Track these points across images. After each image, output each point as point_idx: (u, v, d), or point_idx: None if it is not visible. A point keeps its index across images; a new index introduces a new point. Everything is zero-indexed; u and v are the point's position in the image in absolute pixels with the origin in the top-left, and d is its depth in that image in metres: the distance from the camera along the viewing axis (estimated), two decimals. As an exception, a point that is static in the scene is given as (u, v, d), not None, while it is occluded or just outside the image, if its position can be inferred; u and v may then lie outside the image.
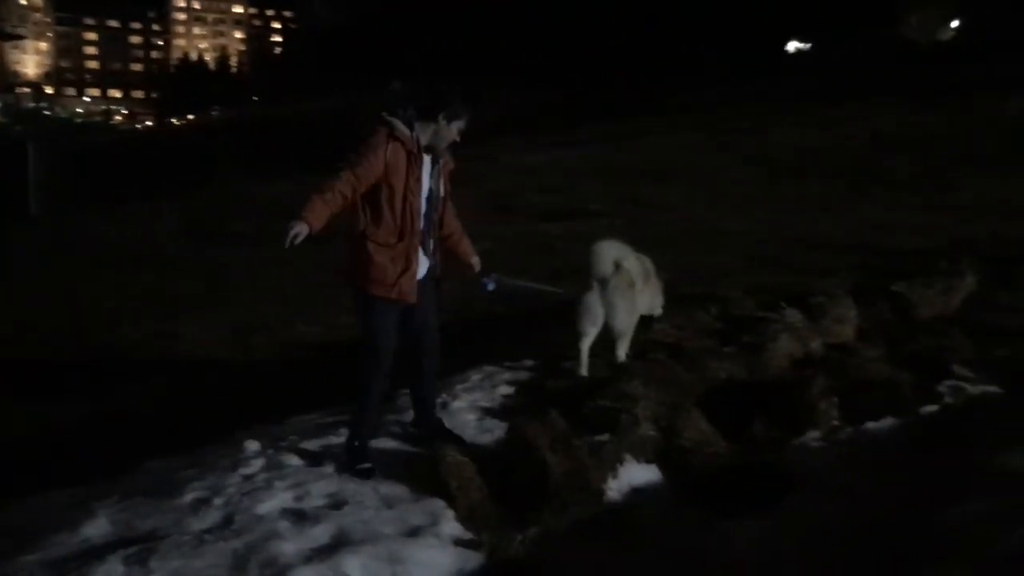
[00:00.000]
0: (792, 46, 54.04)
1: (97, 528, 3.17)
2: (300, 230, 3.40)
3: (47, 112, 74.36)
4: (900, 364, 5.22)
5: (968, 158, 17.43)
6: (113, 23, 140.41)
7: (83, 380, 6.88)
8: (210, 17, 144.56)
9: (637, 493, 3.78)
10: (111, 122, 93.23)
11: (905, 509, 3.62)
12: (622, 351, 4.90)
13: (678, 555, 3.44)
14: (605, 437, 3.90)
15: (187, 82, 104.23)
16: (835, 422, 4.46)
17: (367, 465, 3.65)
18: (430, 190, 3.82)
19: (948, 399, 4.74)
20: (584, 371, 4.79)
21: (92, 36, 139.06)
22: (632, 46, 49.74)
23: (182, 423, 5.14)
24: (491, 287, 4.30)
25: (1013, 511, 3.23)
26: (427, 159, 3.80)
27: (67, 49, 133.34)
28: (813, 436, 4.33)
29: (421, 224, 3.77)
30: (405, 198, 3.69)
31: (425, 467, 3.57)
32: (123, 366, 7.35)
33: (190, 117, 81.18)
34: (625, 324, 4.83)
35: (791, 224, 12.40)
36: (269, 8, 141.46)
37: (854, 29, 47.05)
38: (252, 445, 3.88)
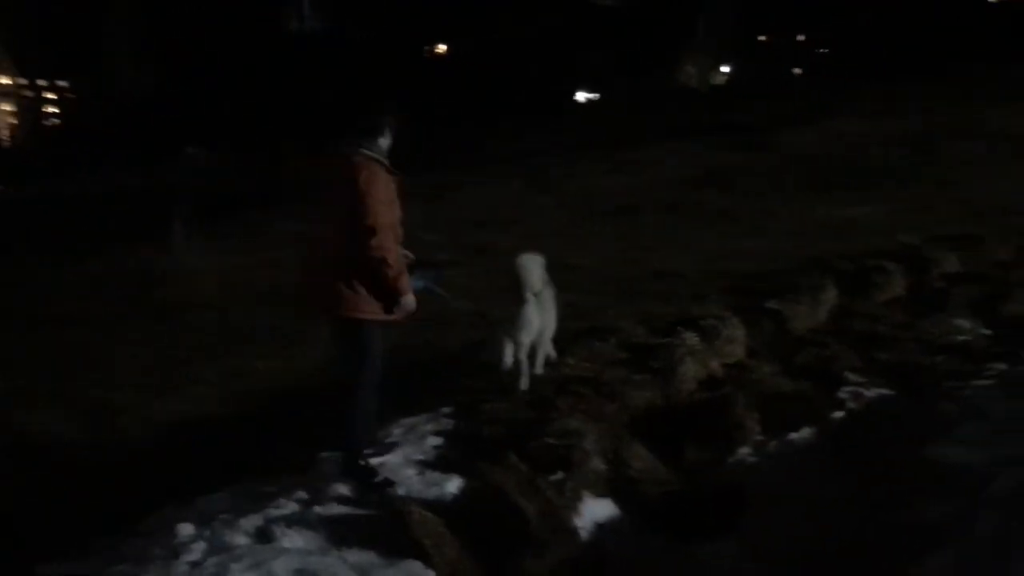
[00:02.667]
0: (582, 96, 56.78)
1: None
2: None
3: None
4: (796, 376, 5.47)
5: (776, 188, 18.81)
6: None
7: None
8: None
9: (600, 528, 3.73)
10: None
11: (856, 508, 3.77)
12: (540, 364, 5.15)
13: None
14: (559, 475, 3.82)
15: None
16: (758, 436, 4.60)
17: (384, 477, 3.86)
18: None
19: (851, 404, 5.02)
20: (525, 384, 4.96)
21: None
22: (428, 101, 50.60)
23: (73, 516, 4.60)
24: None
25: (961, 499, 3.43)
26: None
27: None
28: (744, 452, 4.44)
29: None
30: (399, 224, 3.92)
31: (387, 527, 3.36)
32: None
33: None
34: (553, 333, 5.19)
35: (635, 259, 12.83)
36: (40, 78, 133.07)
37: (636, 78, 50.17)
38: (186, 528, 3.51)
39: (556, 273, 12.23)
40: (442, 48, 58.54)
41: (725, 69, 52.42)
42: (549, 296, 5.17)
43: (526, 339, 4.90)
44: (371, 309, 3.83)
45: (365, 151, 3.82)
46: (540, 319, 4.95)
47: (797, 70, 45.24)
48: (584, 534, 3.60)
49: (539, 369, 5.14)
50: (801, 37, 51.07)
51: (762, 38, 52.12)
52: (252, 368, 8.98)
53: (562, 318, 8.48)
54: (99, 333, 12.92)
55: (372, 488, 3.78)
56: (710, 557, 3.54)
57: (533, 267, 4.95)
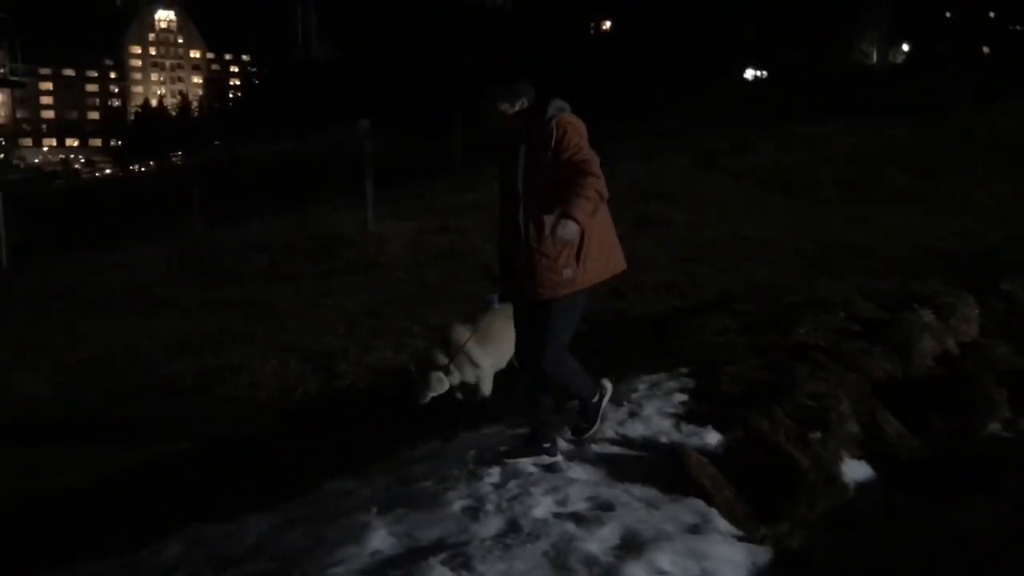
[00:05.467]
0: (749, 73, 55.35)
1: (382, 540, 3.15)
2: (574, 236, 3.47)
3: (16, 162, 73.28)
4: (1033, 357, 5.38)
5: (960, 166, 17.98)
6: (69, 72, 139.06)
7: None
8: (167, 63, 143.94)
9: (859, 486, 3.86)
10: (75, 170, 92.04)
11: None
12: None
13: (921, 535, 3.52)
14: (817, 434, 3.96)
15: (147, 128, 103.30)
16: (1007, 414, 4.59)
17: (548, 444, 3.88)
18: None
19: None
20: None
21: (48, 86, 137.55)
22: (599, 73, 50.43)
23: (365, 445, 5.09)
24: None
25: None
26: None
27: (23, 99, 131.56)
28: (996, 427, 4.45)
29: None
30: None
31: (663, 467, 3.61)
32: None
33: (151, 163, 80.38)
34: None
35: (819, 234, 12.62)
36: (227, 52, 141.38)
37: (807, 55, 48.36)
38: (473, 453, 3.88)
39: (735, 245, 12.23)
40: (607, 24, 58.32)
41: (905, 48, 49.80)
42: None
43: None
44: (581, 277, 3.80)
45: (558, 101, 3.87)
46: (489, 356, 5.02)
47: (986, 49, 42.58)
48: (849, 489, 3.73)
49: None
50: (992, 14, 47.85)
51: (948, 15, 49.21)
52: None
53: (756, 288, 8.53)
54: (299, 288, 13.86)
55: (543, 451, 3.87)
56: (970, 511, 3.61)
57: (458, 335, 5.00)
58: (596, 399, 4.08)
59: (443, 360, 4.90)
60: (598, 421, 4.08)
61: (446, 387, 4.92)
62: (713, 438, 3.98)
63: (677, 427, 4.23)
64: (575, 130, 3.66)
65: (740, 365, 5.04)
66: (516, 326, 3.97)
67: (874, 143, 22.31)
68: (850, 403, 4.26)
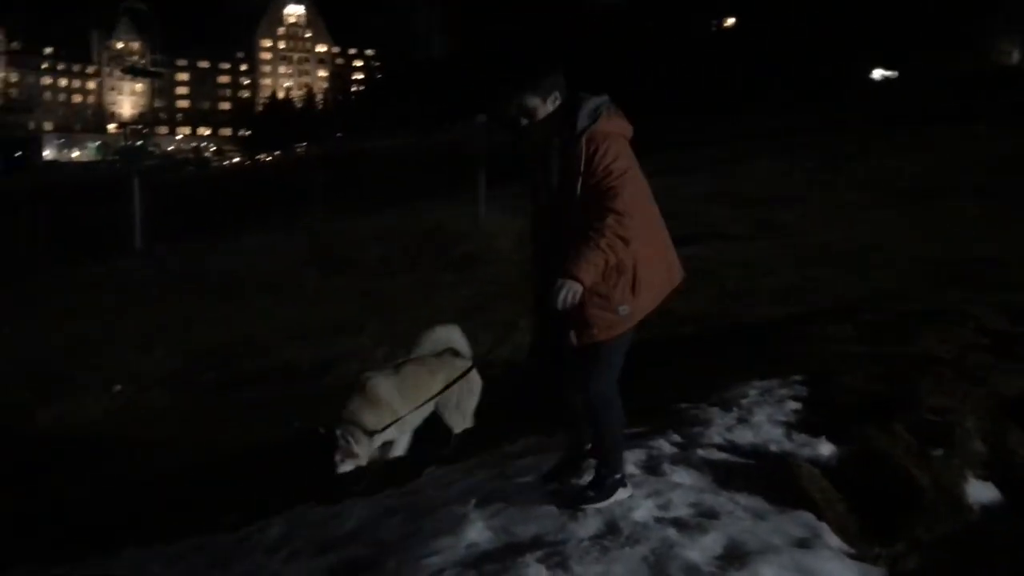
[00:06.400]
0: (878, 73, 53.18)
1: (479, 533, 3.15)
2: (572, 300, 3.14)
3: (152, 149, 77.17)
4: None
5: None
6: (203, 64, 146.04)
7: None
8: (295, 56, 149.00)
9: (984, 509, 3.62)
10: (205, 158, 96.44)
11: None
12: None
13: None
14: (939, 452, 3.75)
15: (274, 119, 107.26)
16: None
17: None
18: None
19: None
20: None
21: (184, 76, 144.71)
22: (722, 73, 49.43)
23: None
24: None
25: None
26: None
27: (161, 89, 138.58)
28: None
29: None
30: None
31: (771, 477, 3.49)
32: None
33: (277, 153, 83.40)
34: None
35: (946, 243, 12.00)
36: (351, 47, 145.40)
37: (943, 54, 46.09)
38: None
39: (859, 251, 11.75)
40: (730, 21, 57.14)
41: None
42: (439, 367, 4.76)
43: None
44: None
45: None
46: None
47: None
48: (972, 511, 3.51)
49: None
50: None
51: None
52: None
53: (879, 296, 8.15)
54: (412, 280, 14.11)
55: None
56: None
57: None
58: (619, 476, 3.41)
59: (372, 422, 4.38)
60: (607, 499, 3.34)
61: (373, 454, 4.40)
62: (826, 449, 3.82)
63: (788, 436, 4.08)
64: (608, 146, 3.15)
65: (858, 375, 4.83)
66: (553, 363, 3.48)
67: (1016, 148, 21.08)
68: (976, 420, 4.00)
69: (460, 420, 4.98)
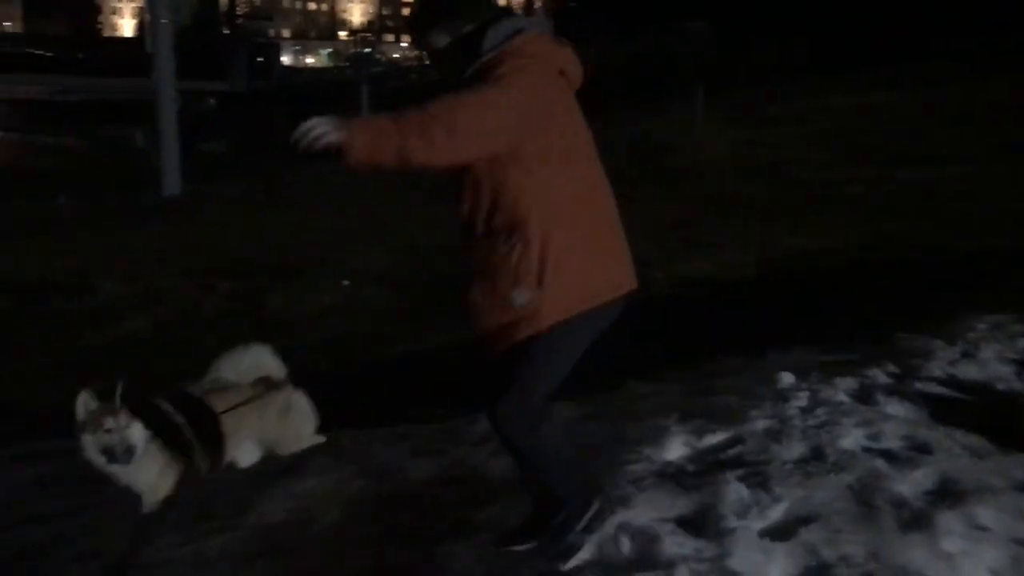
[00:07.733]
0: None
1: (680, 447, 3.21)
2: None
3: (378, 56, 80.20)
4: None
5: None
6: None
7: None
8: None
9: None
10: (427, 65, 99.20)
11: None
12: None
13: None
14: None
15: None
16: None
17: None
18: None
19: None
20: None
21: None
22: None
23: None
24: None
25: None
26: None
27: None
28: None
29: None
30: None
31: (994, 415, 3.30)
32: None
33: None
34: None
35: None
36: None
37: None
38: (787, 377, 3.77)
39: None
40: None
41: None
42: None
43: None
44: None
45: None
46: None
47: None
48: None
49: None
50: None
51: None
52: (777, 242, 9.13)
53: None
54: (615, 191, 14.01)
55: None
56: None
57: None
58: (582, 510, 2.63)
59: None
60: (580, 550, 2.57)
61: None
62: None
63: (1018, 375, 3.82)
64: (517, 63, 2.29)
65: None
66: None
67: None
68: None
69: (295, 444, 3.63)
